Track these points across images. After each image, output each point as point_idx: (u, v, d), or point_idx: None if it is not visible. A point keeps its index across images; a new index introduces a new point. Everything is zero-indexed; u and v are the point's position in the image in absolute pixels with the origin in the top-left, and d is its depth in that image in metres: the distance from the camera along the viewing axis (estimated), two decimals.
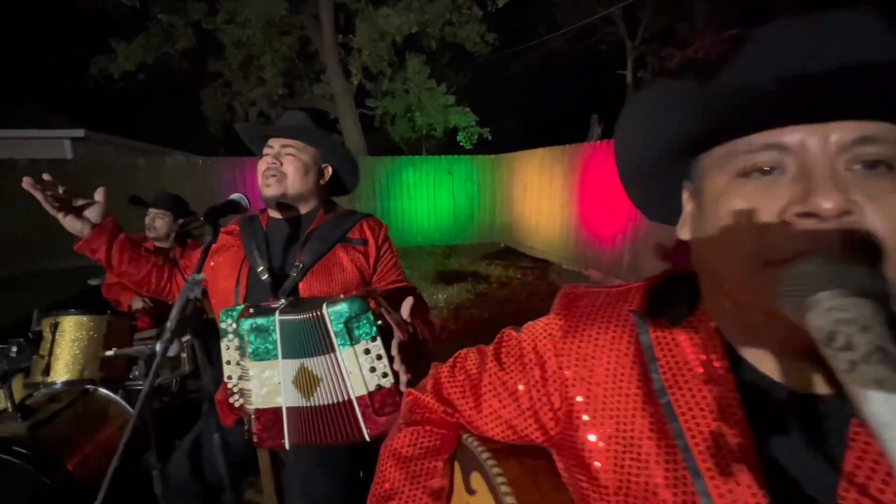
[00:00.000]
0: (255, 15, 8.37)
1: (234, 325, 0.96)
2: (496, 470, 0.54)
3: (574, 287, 0.56)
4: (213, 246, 1.23)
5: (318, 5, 8.64)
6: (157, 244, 2.66)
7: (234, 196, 1.10)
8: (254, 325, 0.92)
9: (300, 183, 1.20)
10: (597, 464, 0.45)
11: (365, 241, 1.24)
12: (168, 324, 0.85)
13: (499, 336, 0.60)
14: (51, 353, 1.69)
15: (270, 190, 1.17)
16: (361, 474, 1.10)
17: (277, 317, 0.93)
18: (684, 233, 0.45)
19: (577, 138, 7.49)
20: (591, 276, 6.30)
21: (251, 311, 0.95)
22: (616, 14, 11.30)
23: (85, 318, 1.77)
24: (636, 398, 0.44)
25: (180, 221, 2.63)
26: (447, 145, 12.38)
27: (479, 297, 5.59)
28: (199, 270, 0.90)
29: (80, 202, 1.11)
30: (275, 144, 1.20)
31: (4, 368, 1.61)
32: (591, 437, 0.46)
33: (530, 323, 0.57)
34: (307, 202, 1.26)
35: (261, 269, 1.15)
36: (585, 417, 0.47)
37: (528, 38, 12.25)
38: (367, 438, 0.94)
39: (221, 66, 10.94)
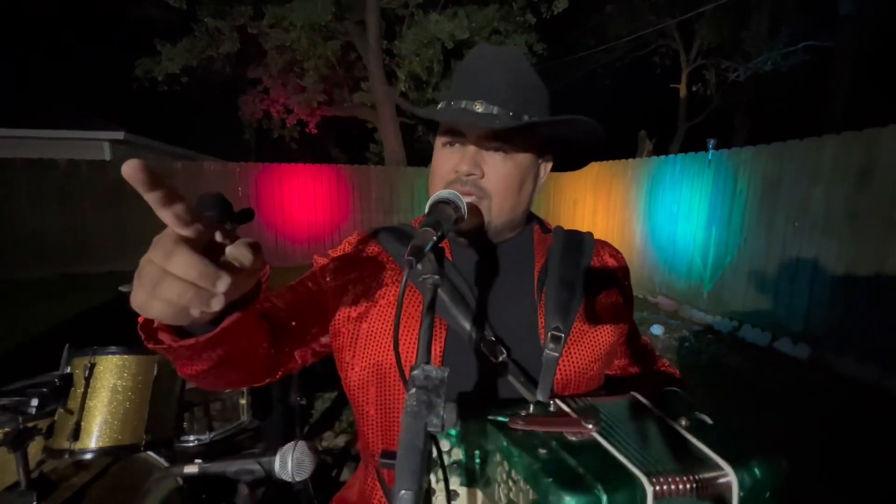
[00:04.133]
0: (300, 19, 8.17)
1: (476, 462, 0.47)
2: None
3: None
4: (351, 273, 0.73)
5: (365, 10, 8.40)
6: None
7: (445, 193, 0.58)
8: None
9: (511, 205, 0.69)
10: None
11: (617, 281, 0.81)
12: None
13: None
14: (82, 407, 1.23)
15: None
16: None
17: (648, 485, 0.41)
18: None
19: (622, 155, 6.96)
20: (660, 305, 5.67)
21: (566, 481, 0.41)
22: (670, 26, 10.77)
23: (129, 358, 1.31)
24: None
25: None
26: None
27: None
28: (427, 360, 0.38)
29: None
30: (469, 134, 0.66)
31: (18, 429, 1.15)
32: None
33: None
34: (515, 228, 0.77)
35: (487, 340, 0.66)
36: None
37: (576, 50, 11.79)
38: None
39: (261, 73, 10.82)
